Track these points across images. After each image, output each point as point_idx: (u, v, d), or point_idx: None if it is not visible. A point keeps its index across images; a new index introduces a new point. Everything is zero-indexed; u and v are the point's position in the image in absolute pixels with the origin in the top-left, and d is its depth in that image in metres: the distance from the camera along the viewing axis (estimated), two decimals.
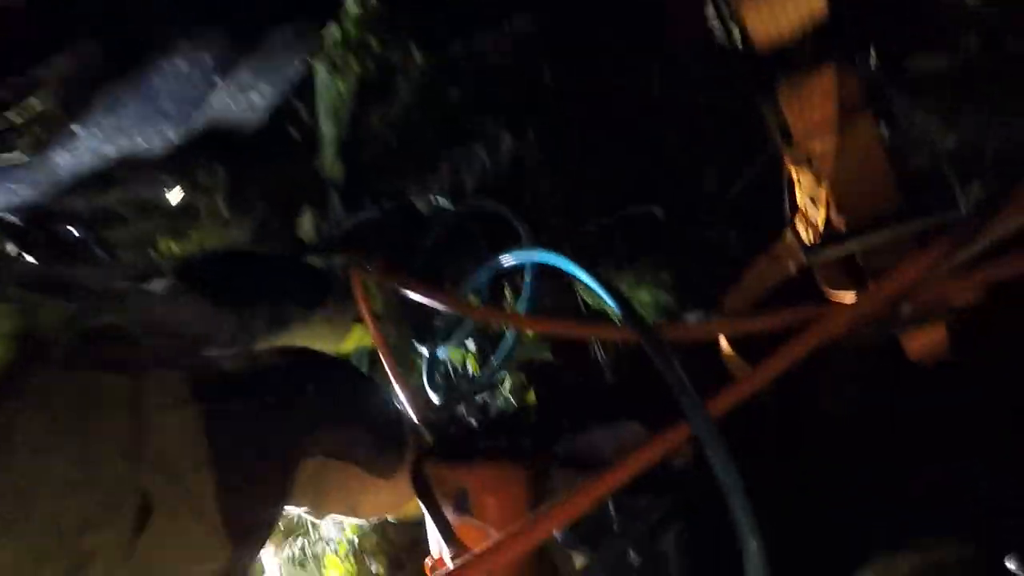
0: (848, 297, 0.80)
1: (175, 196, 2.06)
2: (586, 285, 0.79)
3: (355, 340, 1.36)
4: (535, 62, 1.22)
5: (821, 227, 0.64)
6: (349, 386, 1.06)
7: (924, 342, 0.73)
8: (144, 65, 1.19)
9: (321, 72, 1.55)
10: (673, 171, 1.01)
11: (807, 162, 0.58)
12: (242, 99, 1.48)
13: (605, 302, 0.77)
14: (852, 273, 0.77)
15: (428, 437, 1.09)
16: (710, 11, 0.45)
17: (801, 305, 0.79)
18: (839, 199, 0.63)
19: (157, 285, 1.00)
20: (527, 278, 1.03)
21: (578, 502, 0.60)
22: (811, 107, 0.49)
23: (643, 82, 1.04)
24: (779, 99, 0.49)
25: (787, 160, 0.61)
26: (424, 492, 0.87)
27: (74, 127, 1.20)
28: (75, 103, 1.17)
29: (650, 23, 1.01)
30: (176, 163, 1.76)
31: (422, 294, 0.97)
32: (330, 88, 1.57)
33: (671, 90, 1.02)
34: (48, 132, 1.17)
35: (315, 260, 1.29)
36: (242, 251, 1.40)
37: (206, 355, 0.94)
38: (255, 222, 1.81)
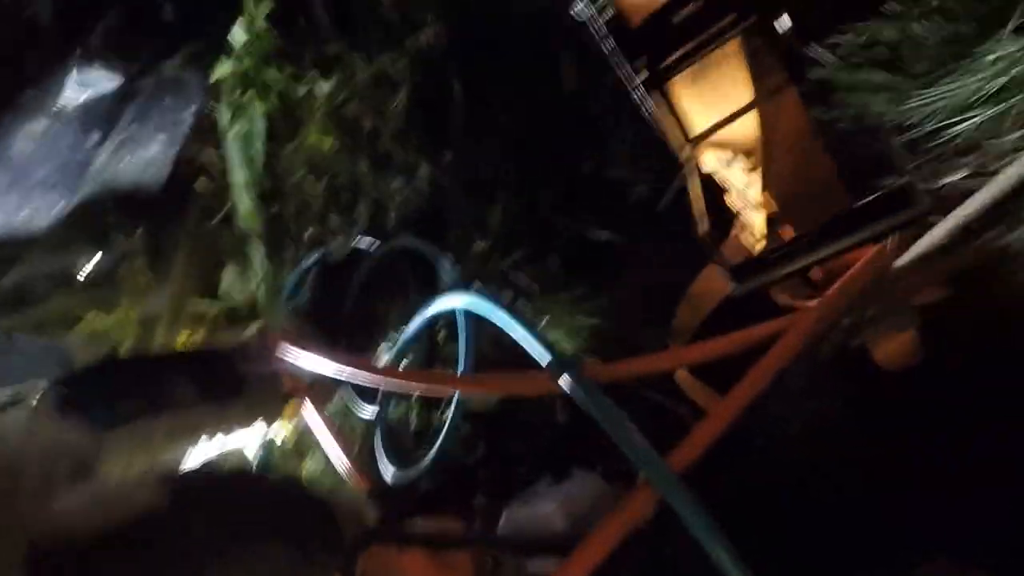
0: (805, 305, 0.70)
1: (90, 266, 1.92)
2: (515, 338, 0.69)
3: (291, 413, 1.23)
4: (443, 78, 1.12)
5: (761, 234, 0.54)
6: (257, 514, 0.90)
7: (894, 347, 0.63)
8: (4, 132, 1.06)
9: (224, 115, 1.43)
10: (597, 185, 0.91)
11: (727, 153, 0.48)
12: (136, 154, 1.35)
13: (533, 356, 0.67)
14: (806, 276, 0.67)
15: (372, 515, 0.96)
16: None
17: (753, 324, 0.69)
18: (777, 199, 0.53)
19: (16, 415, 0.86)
20: (461, 335, 0.92)
21: None
22: (718, 94, 0.39)
23: (549, 92, 0.94)
24: (672, 92, 0.39)
25: (711, 161, 0.51)
26: None
27: None
28: None
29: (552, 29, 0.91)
30: (88, 230, 1.62)
31: (340, 364, 0.86)
32: (237, 131, 1.45)
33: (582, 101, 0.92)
34: None
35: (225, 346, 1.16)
36: (128, 358, 1.26)
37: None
38: (176, 283, 1.66)
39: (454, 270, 1.00)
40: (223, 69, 1.36)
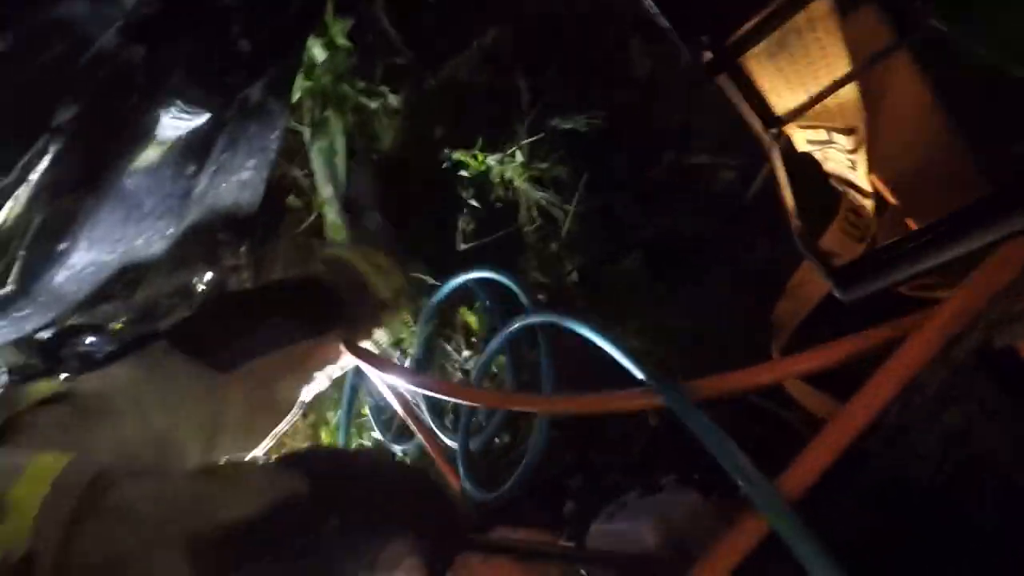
0: (938, 297, 0.60)
1: (205, 280, 2.09)
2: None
3: (394, 330, 1.22)
4: (509, 79, 1.08)
5: (870, 227, 0.46)
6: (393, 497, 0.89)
7: None
8: (111, 169, 1.15)
9: (306, 133, 1.49)
10: (678, 177, 0.83)
11: (822, 132, 0.40)
12: (230, 180, 1.44)
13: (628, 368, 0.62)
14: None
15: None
16: None
17: (871, 321, 0.59)
18: (890, 183, 0.44)
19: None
20: (543, 352, 0.88)
21: None
22: (805, 66, 0.32)
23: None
24: (747, 70, 0.32)
25: (801, 141, 0.43)
26: None
27: (60, 245, 1.17)
28: (52, 221, 1.14)
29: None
30: (200, 249, 1.76)
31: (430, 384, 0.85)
32: (319, 147, 1.51)
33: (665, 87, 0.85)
34: (33, 255, 1.15)
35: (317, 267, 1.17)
36: (226, 301, 1.31)
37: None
38: None
39: (527, 288, 0.96)
40: (302, 87, 1.41)
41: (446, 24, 1.17)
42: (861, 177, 0.45)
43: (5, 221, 1.09)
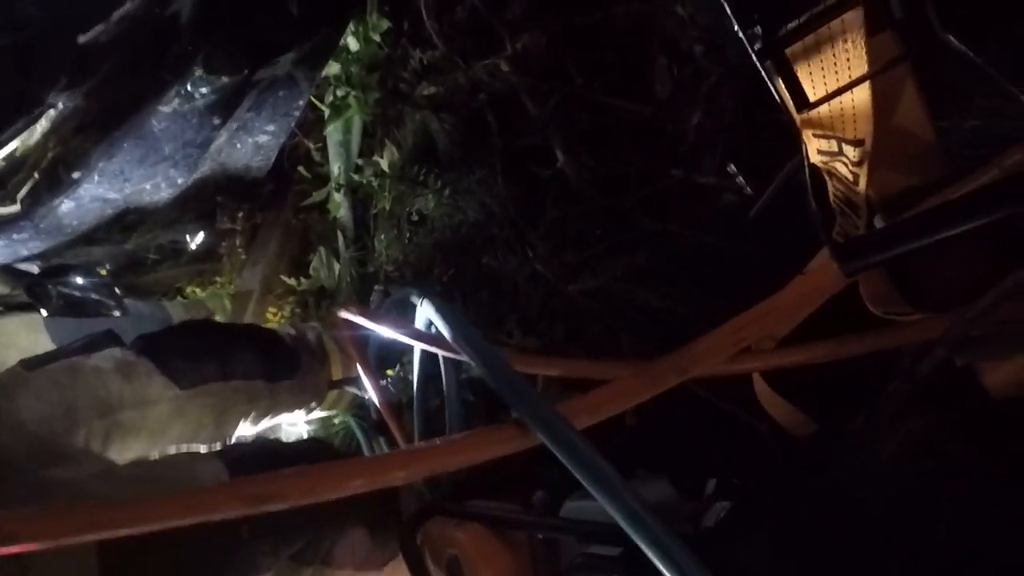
0: (907, 320, 0.66)
1: (197, 240, 2.09)
2: None
3: (329, 405, 1.29)
4: (540, 84, 1.15)
5: (864, 231, 0.52)
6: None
7: (1008, 372, 0.58)
8: (140, 109, 1.18)
9: (326, 111, 1.53)
10: (686, 192, 0.90)
11: (835, 143, 0.46)
12: (247, 140, 1.46)
13: None
14: (905, 285, 0.63)
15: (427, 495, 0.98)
16: None
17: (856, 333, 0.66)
18: (882, 191, 0.50)
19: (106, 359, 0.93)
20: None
21: None
22: (834, 64, 0.38)
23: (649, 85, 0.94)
24: (790, 59, 0.38)
25: (814, 151, 0.49)
26: (415, 566, 0.76)
27: (74, 174, 1.18)
28: (71, 150, 1.15)
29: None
30: (196, 208, 1.77)
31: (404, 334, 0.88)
32: (336, 127, 1.55)
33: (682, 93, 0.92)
34: (46, 180, 1.16)
35: (284, 329, 1.23)
36: (200, 325, 1.35)
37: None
38: (270, 262, 1.78)
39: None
40: (331, 69, 1.46)
41: (484, 25, 1.23)
42: (860, 190, 0.51)
43: (25, 145, 1.11)
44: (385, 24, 1.34)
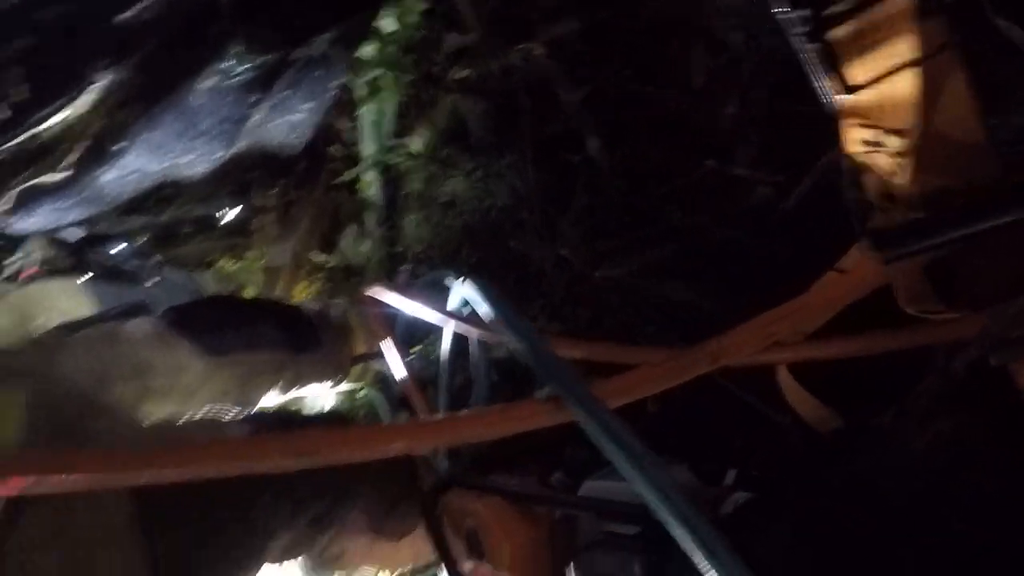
0: (941, 319, 0.65)
1: (231, 214, 2.14)
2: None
3: (354, 379, 1.32)
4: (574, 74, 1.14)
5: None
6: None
7: None
8: (180, 85, 1.21)
9: (362, 90, 1.55)
10: (719, 184, 0.89)
11: (878, 132, 0.45)
12: (283, 118, 1.49)
13: None
14: (940, 283, 0.62)
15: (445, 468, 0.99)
16: None
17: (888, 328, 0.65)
18: (923, 185, 0.49)
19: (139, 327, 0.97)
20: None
21: None
22: (879, 49, 0.37)
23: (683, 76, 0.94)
24: (834, 43, 0.38)
25: (854, 141, 0.49)
26: (434, 531, 0.78)
27: (116, 146, 1.22)
28: (115, 123, 1.19)
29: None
30: (231, 183, 1.81)
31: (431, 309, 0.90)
32: (370, 107, 1.56)
33: (715, 84, 0.91)
34: (91, 151, 1.20)
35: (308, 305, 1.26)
36: (227, 298, 1.39)
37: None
38: (301, 238, 1.82)
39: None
40: (367, 50, 1.47)
41: (519, 11, 1.23)
42: (900, 184, 0.50)
43: (71, 118, 1.15)
44: (421, 6, 1.34)
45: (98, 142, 1.15)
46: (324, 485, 0.89)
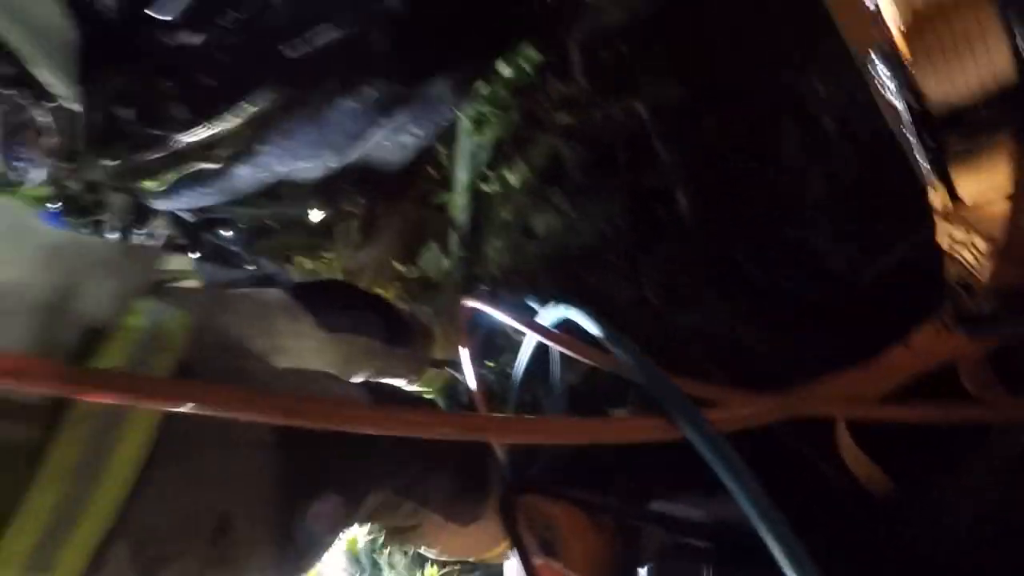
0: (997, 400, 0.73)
1: (316, 216, 2.31)
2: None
3: (425, 382, 1.45)
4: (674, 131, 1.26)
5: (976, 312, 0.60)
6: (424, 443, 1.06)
7: None
8: (325, 101, 1.38)
9: (465, 122, 1.70)
10: (797, 251, 0.99)
11: (969, 234, 0.55)
12: (395, 139, 1.65)
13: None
14: (1002, 368, 0.71)
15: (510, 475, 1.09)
16: (880, 70, 0.44)
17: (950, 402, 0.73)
18: (1004, 285, 0.58)
19: (275, 295, 1.11)
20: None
21: None
22: (985, 174, 0.47)
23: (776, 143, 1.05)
24: (948, 164, 0.47)
25: (944, 235, 0.58)
26: (511, 526, 0.87)
27: (260, 146, 1.39)
28: (262, 127, 1.36)
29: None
30: (324, 188, 1.98)
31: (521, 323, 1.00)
32: (471, 138, 1.71)
33: (807, 154, 1.01)
34: (237, 148, 1.37)
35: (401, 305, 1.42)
36: (342, 283, 1.56)
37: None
38: (383, 245, 1.97)
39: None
40: (480, 88, 1.63)
41: (627, 69, 1.36)
42: (983, 279, 0.60)
43: (229, 124, 1.32)
44: (537, 57, 1.50)
45: (248, 143, 1.32)
46: (416, 456, 0.99)
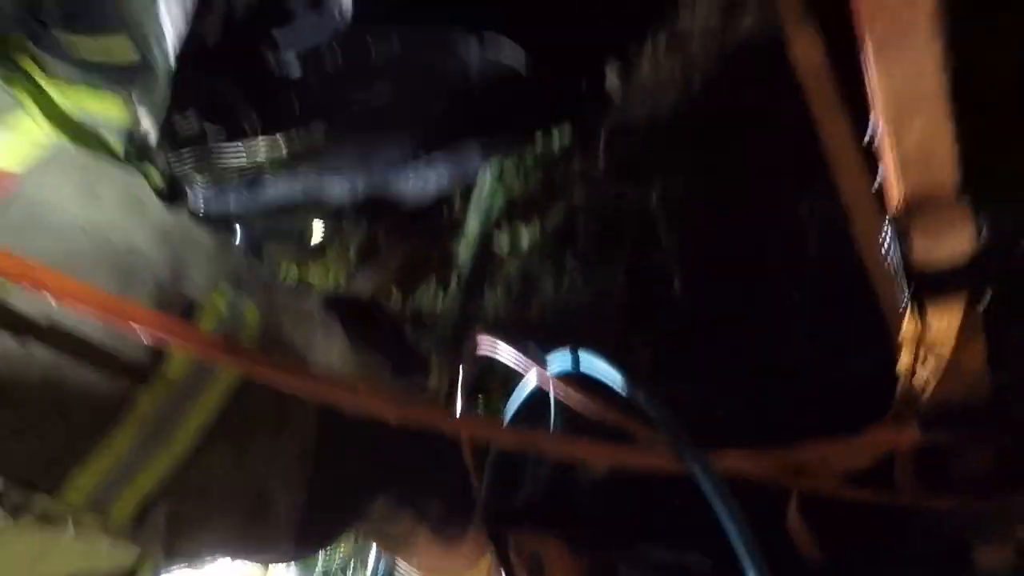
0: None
1: (316, 230, 2.39)
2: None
3: None
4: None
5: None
6: (433, 457, 1.15)
7: (1000, 554, 0.80)
8: (373, 138, 1.51)
9: (488, 177, 1.84)
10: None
11: (923, 363, 0.72)
12: (421, 179, 1.78)
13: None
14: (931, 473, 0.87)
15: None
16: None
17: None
18: (938, 397, 0.76)
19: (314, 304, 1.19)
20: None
21: None
22: (944, 321, 0.64)
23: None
24: (924, 311, 0.64)
25: (907, 359, 0.75)
26: (503, 555, 0.96)
27: (306, 165, 1.50)
28: (313, 148, 1.48)
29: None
30: (343, 213, 2.08)
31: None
32: (489, 191, 1.85)
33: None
34: (285, 166, 1.47)
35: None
36: (371, 303, 1.65)
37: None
38: (381, 270, 2.05)
39: None
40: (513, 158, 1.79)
41: (645, 158, 1.55)
42: (925, 396, 0.77)
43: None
44: (567, 139, 1.68)
45: (297, 160, 1.42)
46: (414, 470, 1.06)
